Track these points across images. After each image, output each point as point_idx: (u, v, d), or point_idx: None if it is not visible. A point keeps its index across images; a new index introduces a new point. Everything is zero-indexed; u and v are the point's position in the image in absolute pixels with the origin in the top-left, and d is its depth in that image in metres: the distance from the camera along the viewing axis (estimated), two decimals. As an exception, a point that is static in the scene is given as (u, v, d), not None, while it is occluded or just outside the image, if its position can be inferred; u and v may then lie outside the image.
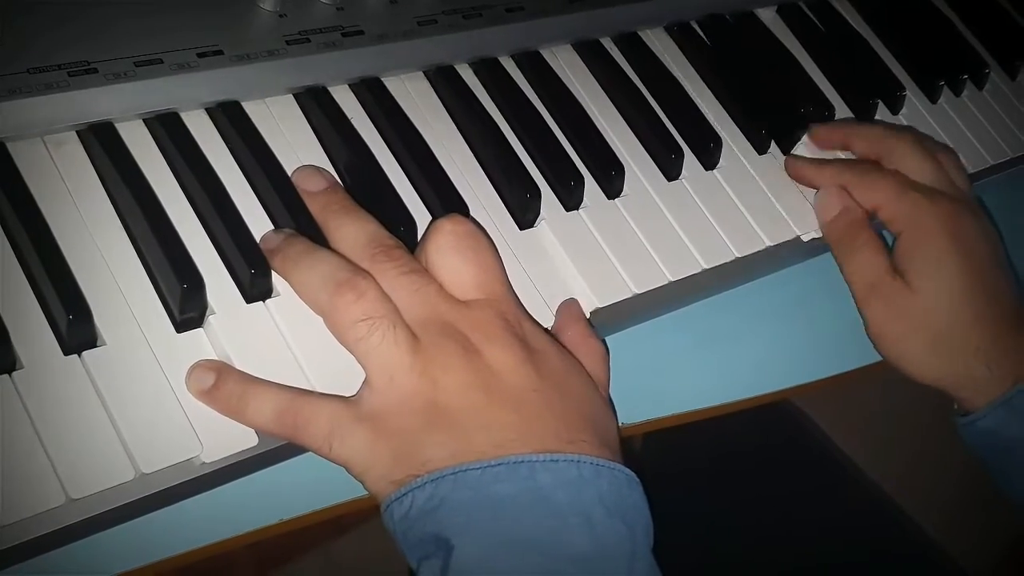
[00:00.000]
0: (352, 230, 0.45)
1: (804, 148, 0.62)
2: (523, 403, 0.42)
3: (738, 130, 0.61)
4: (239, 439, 0.41)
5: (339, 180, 0.48)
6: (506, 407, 0.41)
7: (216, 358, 0.42)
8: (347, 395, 0.42)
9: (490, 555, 0.39)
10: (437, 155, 0.51)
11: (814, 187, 0.60)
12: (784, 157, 0.61)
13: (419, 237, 0.47)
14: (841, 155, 0.62)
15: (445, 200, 0.49)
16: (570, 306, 0.49)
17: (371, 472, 0.41)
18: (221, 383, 0.40)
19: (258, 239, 0.45)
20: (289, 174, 0.47)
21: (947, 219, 0.56)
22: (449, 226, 0.44)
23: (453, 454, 0.40)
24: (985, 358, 0.55)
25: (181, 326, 0.42)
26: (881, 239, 0.57)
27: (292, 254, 0.43)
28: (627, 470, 0.42)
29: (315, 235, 0.45)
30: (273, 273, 0.44)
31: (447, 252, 0.44)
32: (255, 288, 0.44)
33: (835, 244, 0.57)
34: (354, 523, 1.04)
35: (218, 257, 0.44)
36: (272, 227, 0.46)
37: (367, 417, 0.41)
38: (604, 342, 0.48)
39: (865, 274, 0.56)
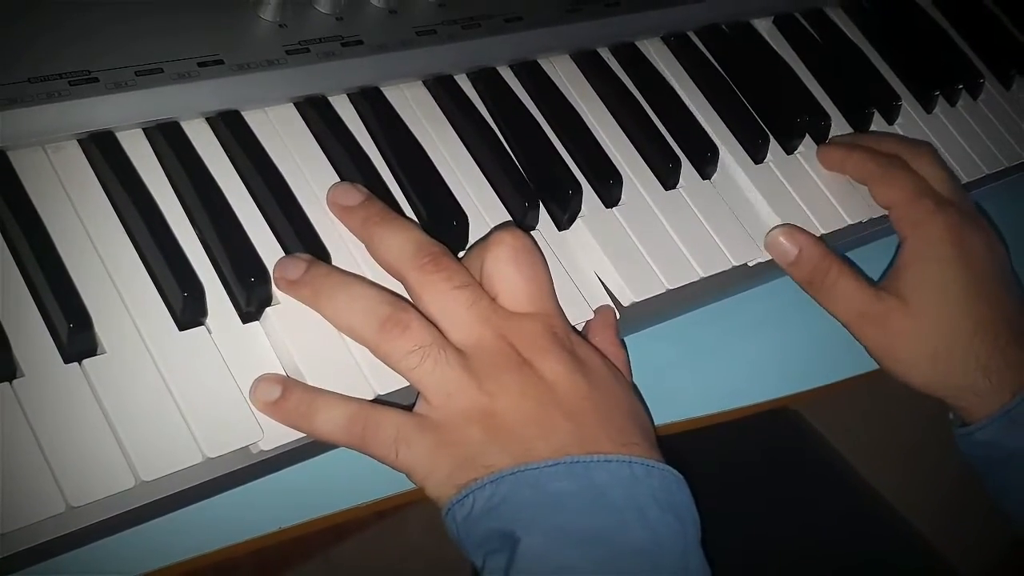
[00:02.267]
0: (396, 241, 0.45)
1: (802, 158, 0.63)
2: (577, 411, 0.43)
3: (735, 139, 0.61)
4: (239, 448, 0.41)
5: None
6: (561, 415, 0.43)
7: (222, 368, 0.42)
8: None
9: (554, 547, 0.40)
10: (436, 163, 0.52)
11: (843, 173, 0.61)
12: (780, 165, 0.61)
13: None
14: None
15: (444, 209, 0.50)
16: (605, 313, 0.51)
17: (433, 477, 0.42)
18: (288, 395, 0.42)
19: (259, 249, 0.45)
20: (289, 182, 0.48)
21: (953, 230, 0.57)
22: (509, 239, 0.45)
23: (514, 460, 0.42)
24: (985, 369, 0.55)
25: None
26: (851, 263, 0.57)
27: (324, 289, 0.43)
28: (675, 471, 0.44)
29: (316, 248, 0.46)
30: (272, 283, 0.44)
31: (505, 264, 0.45)
32: (255, 297, 0.44)
33: (806, 285, 0.57)
34: (354, 529, 1.04)
35: (218, 266, 0.44)
36: (272, 235, 0.46)
37: (429, 428, 0.42)
38: (626, 350, 0.50)
39: (850, 306, 0.56)
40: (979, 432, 0.56)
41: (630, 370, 0.50)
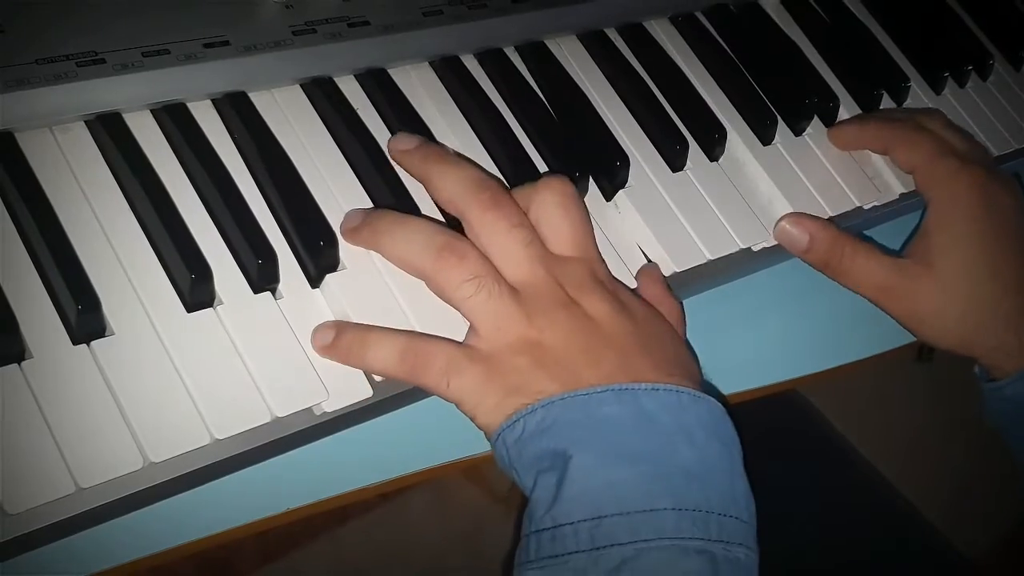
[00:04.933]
0: (457, 176, 0.46)
1: (810, 139, 0.62)
2: (623, 344, 0.45)
3: (743, 121, 0.61)
4: (246, 430, 0.41)
5: (350, 167, 0.49)
6: (609, 347, 0.44)
7: (230, 349, 0.42)
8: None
9: (605, 463, 0.41)
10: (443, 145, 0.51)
11: (862, 148, 0.61)
12: (788, 147, 0.61)
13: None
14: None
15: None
16: (651, 270, 0.52)
17: (483, 405, 0.43)
18: (341, 335, 0.43)
19: (265, 229, 0.45)
20: (295, 164, 0.47)
21: (979, 186, 0.56)
22: (559, 185, 0.47)
23: (563, 387, 0.43)
24: (1016, 327, 0.55)
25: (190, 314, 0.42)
26: (864, 237, 0.57)
27: (383, 226, 0.45)
28: (719, 404, 0.45)
29: (323, 230, 0.45)
30: (279, 264, 0.44)
31: (554, 209, 0.47)
32: (263, 278, 0.44)
33: (824, 268, 0.57)
34: (358, 511, 1.05)
35: (226, 247, 0.44)
36: (278, 217, 0.46)
37: (479, 359, 0.44)
38: (680, 302, 0.51)
39: (871, 282, 0.56)
40: (1008, 387, 0.56)
41: (684, 322, 0.51)
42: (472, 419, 0.44)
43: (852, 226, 0.61)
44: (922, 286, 0.55)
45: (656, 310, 0.49)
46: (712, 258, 0.54)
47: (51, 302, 0.40)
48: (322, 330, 0.43)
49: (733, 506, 0.42)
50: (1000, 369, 0.56)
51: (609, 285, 0.47)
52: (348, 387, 0.43)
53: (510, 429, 0.43)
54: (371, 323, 0.44)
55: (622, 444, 0.42)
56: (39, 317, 0.40)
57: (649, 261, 0.53)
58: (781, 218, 0.57)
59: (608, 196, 0.54)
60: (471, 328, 0.45)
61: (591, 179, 0.54)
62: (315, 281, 0.45)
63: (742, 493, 0.43)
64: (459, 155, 0.49)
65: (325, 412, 0.43)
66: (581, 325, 0.44)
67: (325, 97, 0.50)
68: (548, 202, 0.47)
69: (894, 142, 0.60)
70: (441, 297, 0.45)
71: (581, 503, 0.41)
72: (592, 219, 0.52)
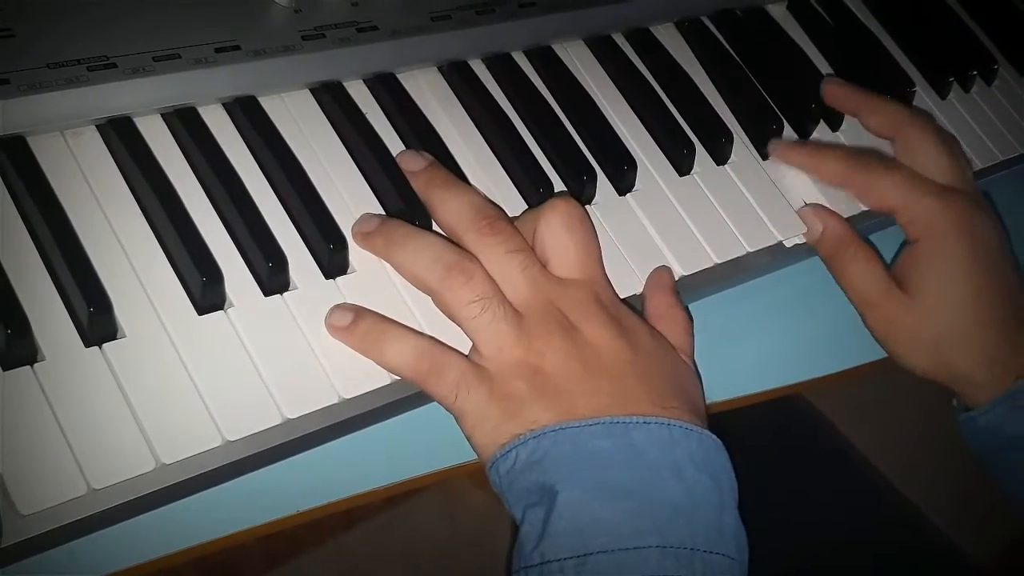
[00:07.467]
0: (457, 203, 0.47)
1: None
2: (620, 374, 0.45)
3: (750, 125, 0.61)
4: (257, 431, 0.41)
5: (359, 171, 0.49)
6: (605, 377, 0.44)
7: (241, 351, 0.42)
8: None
9: (591, 499, 0.41)
10: (451, 149, 0.52)
11: (815, 176, 0.60)
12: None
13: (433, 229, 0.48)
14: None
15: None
16: (660, 275, 0.51)
17: (481, 427, 0.44)
18: (359, 321, 0.43)
19: (276, 232, 0.45)
20: (305, 167, 0.48)
21: (962, 221, 0.56)
22: (564, 206, 0.47)
23: (557, 417, 0.43)
24: (989, 358, 0.55)
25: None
26: (872, 246, 0.58)
27: (397, 237, 0.46)
28: (714, 436, 0.45)
29: (332, 233, 0.46)
30: (289, 268, 0.45)
31: (559, 231, 0.47)
32: (273, 281, 0.44)
33: (827, 261, 0.58)
34: (365, 516, 1.05)
35: (237, 250, 0.45)
36: (288, 219, 0.46)
37: (486, 377, 0.44)
38: (688, 311, 0.51)
39: (860, 288, 0.57)
40: (981, 417, 0.56)
41: (691, 333, 0.50)
42: (468, 438, 0.44)
43: (860, 229, 0.61)
44: (901, 313, 0.56)
45: (660, 335, 0.48)
46: (719, 262, 0.54)
47: (63, 305, 0.41)
48: (339, 311, 0.44)
49: (720, 542, 0.42)
50: (972, 398, 0.57)
51: (612, 309, 0.47)
52: (359, 387, 0.44)
53: (503, 459, 0.43)
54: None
55: (609, 479, 0.42)
56: (51, 319, 0.40)
57: (657, 265, 0.53)
58: (807, 204, 0.59)
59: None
60: (473, 347, 0.45)
61: (598, 183, 0.54)
62: (325, 284, 0.45)
63: (731, 528, 0.43)
64: (462, 181, 0.49)
65: (338, 409, 0.43)
66: (579, 352, 0.44)
67: (334, 101, 0.50)
68: (553, 223, 0.47)
69: (857, 185, 0.58)
70: (446, 314, 0.45)
71: (567, 540, 0.41)
72: (598, 223, 0.53)
